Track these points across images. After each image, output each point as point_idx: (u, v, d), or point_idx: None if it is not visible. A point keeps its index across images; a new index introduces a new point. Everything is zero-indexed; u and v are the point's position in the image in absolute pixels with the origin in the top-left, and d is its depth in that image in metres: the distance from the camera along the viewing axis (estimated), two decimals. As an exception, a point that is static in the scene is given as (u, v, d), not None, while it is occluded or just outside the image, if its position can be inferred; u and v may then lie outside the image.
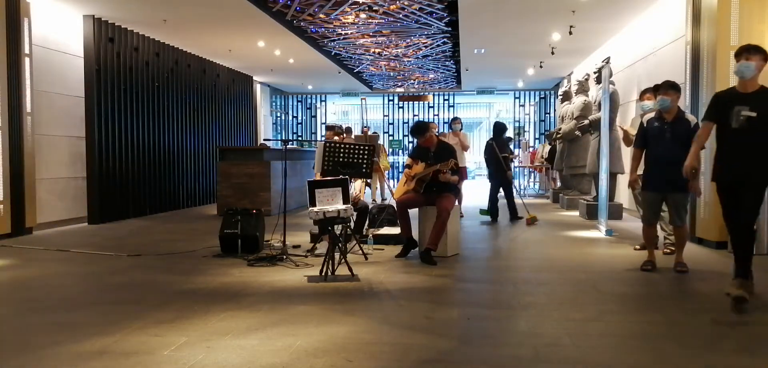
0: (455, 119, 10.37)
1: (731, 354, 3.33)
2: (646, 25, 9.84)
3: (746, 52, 4.41)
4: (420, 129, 6.43)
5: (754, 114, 4.25)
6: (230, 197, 10.43)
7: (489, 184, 10.12)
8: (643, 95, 6.64)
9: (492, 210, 9.75)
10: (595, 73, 11.58)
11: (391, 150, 19.83)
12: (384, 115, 21.61)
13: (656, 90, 5.83)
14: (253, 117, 16.99)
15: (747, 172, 4.35)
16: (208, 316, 4.02)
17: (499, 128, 10.17)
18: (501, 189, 9.88)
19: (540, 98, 20.77)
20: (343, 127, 12.22)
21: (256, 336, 3.61)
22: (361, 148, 6.21)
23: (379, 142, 14.04)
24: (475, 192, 14.76)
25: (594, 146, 9.92)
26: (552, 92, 20.14)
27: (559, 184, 14.16)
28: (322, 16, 10.81)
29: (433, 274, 5.46)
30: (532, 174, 19.22)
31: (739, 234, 4.43)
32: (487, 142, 10.19)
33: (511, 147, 12.15)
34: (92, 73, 9.55)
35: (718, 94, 4.66)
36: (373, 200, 11.83)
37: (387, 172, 14.14)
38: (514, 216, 9.73)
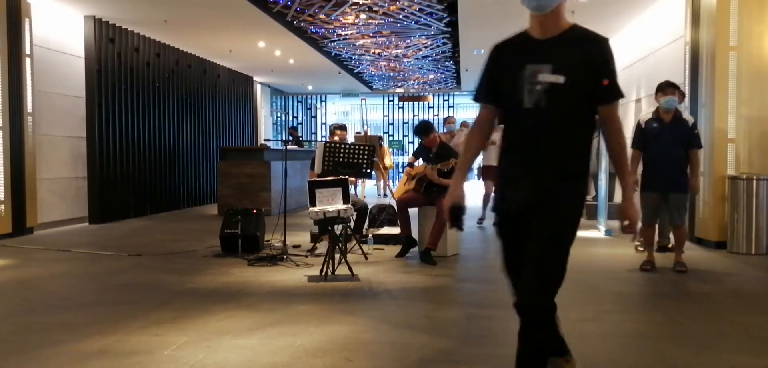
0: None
1: (731, 354, 3.34)
2: (646, 26, 9.85)
3: None
4: (424, 129, 6.43)
5: (560, 79, 2.27)
6: (230, 197, 10.44)
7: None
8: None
9: None
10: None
11: (391, 150, 19.89)
12: (384, 116, 21.62)
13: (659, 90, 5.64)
14: (253, 117, 17.00)
15: (542, 193, 2.33)
16: (209, 316, 4.03)
17: None
18: None
19: (540, 98, 20.77)
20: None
21: (256, 335, 3.62)
22: (361, 147, 6.22)
23: (385, 145, 14.13)
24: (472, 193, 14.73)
25: (593, 146, 9.93)
26: (552, 92, 20.13)
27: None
28: (322, 16, 10.82)
29: (433, 274, 5.47)
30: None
31: (532, 316, 2.33)
32: None
33: None
34: (93, 73, 9.56)
35: (498, 46, 2.56)
36: (382, 194, 11.91)
37: (389, 172, 14.25)
38: None
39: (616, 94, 2.35)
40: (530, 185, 2.35)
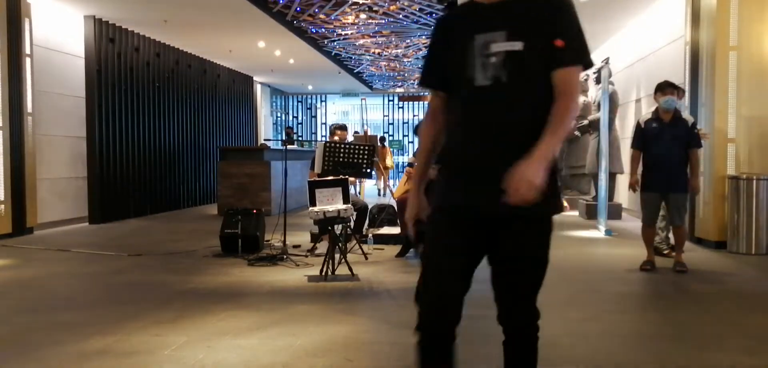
0: None
1: (731, 354, 3.33)
2: (646, 26, 9.85)
3: None
4: None
5: (518, 45, 1.87)
6: (230, 197, 10.44)
7: None
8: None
9: None
10: (594, 73, 11.60)
11: (392, 150, 19.92)
12: (384, 115, 21.63)
13: (659, 90, 5.63)
14: (253, 117, 17.01)
15: (498, 188, 1.82)
16: (208, 316, 4.03)
17: None
18: None
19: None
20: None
21: (256, 335, 3.62)
22: (361, 147, 6.22)
23: (386, 145, 14.16)
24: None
25: (593, 146, 9.93)
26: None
27: (558, 183, 14.18)
28: (322, 16, 10.82)
29: (433, 274, 5.47)
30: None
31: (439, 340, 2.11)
32: None
33: None
34: (93, 73, 9.56)
35: (441, 20, 2.16)
36: (382, 194, 11.97)
37: (389, 172, 14.32)
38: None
39: (574, 57, 1.91)
40: (497, 189, 1.82)
